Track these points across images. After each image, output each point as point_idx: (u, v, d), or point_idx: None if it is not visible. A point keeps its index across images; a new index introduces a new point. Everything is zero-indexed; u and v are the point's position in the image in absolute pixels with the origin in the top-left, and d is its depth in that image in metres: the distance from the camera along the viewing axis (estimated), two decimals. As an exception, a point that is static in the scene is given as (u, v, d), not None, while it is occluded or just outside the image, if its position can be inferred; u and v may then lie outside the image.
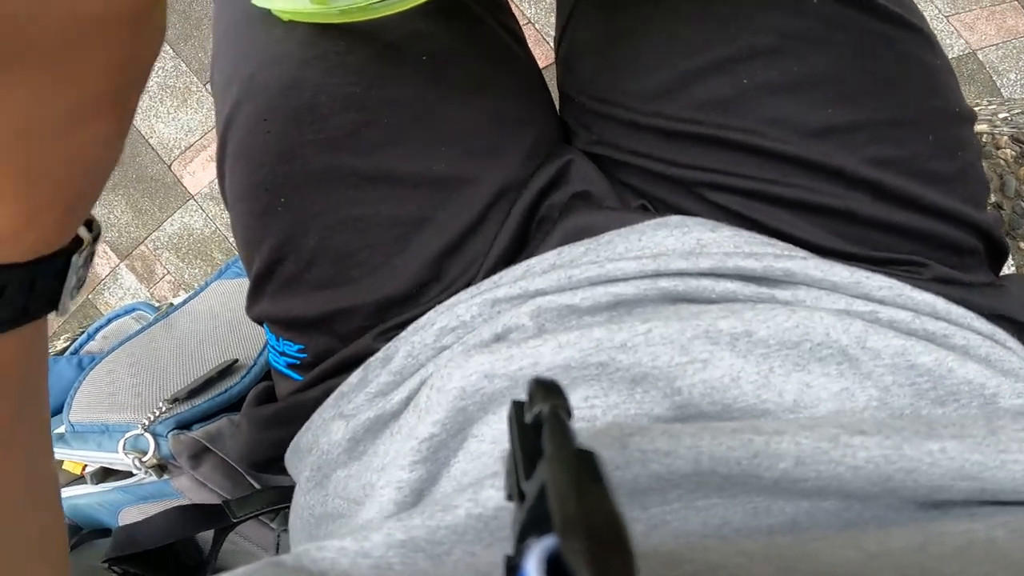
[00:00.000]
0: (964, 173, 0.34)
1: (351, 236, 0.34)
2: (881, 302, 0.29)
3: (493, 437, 0.26)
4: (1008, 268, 0.79)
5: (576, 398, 0.26)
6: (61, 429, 0.62)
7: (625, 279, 0.29)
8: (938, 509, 0.22)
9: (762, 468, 0.21)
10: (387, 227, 0.34)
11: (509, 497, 0.14)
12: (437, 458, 0.27)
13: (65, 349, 0.81)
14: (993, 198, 0.79)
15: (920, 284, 0.30)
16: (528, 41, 1.38)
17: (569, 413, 0.14)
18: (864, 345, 0.26)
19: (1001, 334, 0.30)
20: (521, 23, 1.26)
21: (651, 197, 0.36)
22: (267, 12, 0.35)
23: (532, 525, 0.12)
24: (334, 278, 0.35)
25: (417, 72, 0.35)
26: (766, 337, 0.26)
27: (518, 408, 0.16)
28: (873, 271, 0.30)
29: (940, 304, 0.29)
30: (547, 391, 0.15)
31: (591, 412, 0.25)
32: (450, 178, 0.34)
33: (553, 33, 1.23)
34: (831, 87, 0.32)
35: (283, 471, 0.39)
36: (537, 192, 0.35)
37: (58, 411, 0.67)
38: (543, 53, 1.24)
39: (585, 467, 0.12)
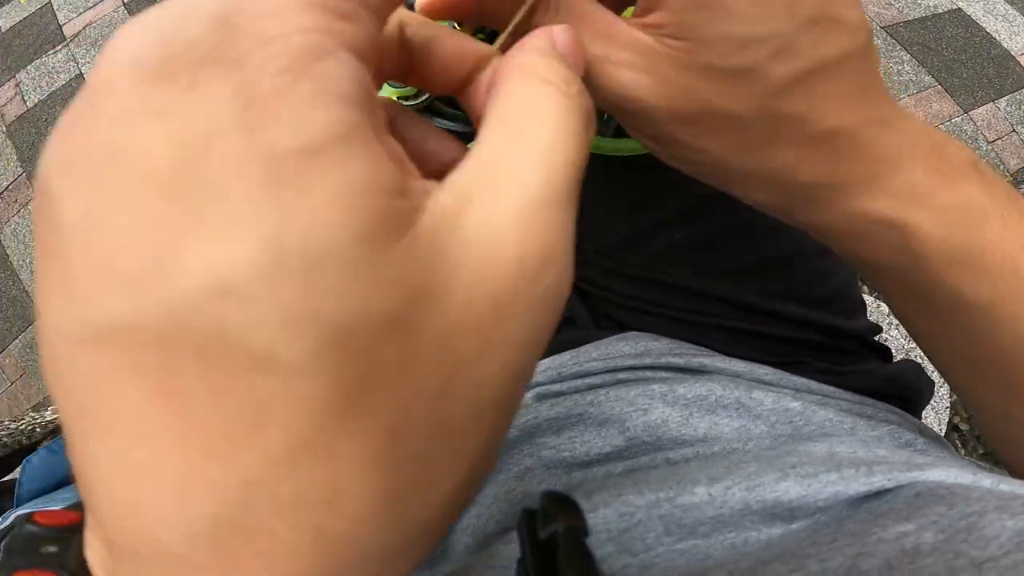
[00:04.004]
0: (833, 295, 0.46)
1: None
2: (769, 384, 0.38)
3: (507, 467, 0.35)
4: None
5: (563, 438, 0.35)
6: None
7: (595, 373, 0.41)
8: (881, 500, 0.25)
9: (687, 487, 0.27)
10: None
11: None
12: None
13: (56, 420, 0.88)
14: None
15: (804, 375, 0.40)
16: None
17: (586, 532, 0.14)
18: (751, 396, 0.35)
19: (870, 401, 0.40)
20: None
21: (618, 321, 0.49)
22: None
23: None
24: None
25: None
26: (684, 393, 0.36)
27: (530, 520, 0.15)
28: (763, 365, 0.40)
29: (814, 384, 0.39)
30: (563, 507, 0.14)
31: (572, 445, 0.35)
32: None
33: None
34: (732, 238, 0.45)
35: None
36: None
37: (62, 484, 0.75)
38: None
39: None
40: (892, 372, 0.45)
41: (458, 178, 0.13)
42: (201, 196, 0.10)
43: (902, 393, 0.43)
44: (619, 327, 0.49)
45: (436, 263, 0.12)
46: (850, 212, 0.24)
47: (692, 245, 0.46)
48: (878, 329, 0.49)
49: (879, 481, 0.25)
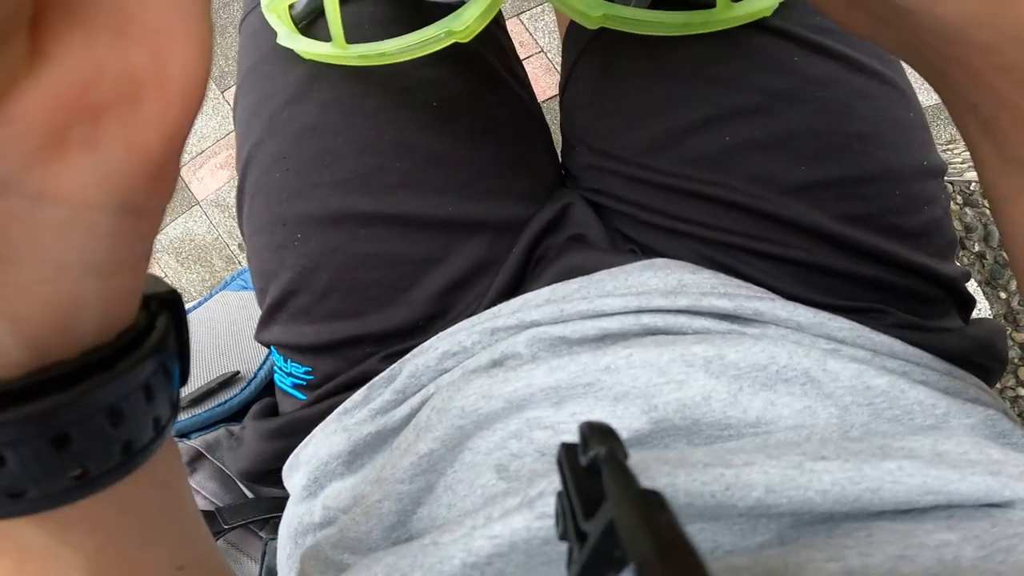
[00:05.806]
0: (930, 227, 0.36)
1: (363, 272, 0.36)
2: (842, 342, 0.31)
3: (487, 449, 0.28)
4: (986, 315, 0.81)
5: (564, 414, 0.28)
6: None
7: (611, 314, 0.31)
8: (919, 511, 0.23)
9: (735, 499, 0.22)
10: (397, 265, 0.36)
11: (563, 537, 0.14)
12: (435, 469, 0.29)
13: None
14: (977, 247, 0.81)
15: (881, 329, 0.32)
16: (540, 71, 1.42)
17: (626, 455, 0.14)
18: (824, 368, 0.28)
19: (959, 372, 0.32)
20: (534, 52, 1.29)
21: (640, 243, 0.38)
22: (291, 52, 0.37)
23: (596, 565, 0.12)
24: (346, 310, 0.37)
25: (428, 117, 0.37)
26: (736, 360, 0.28)
27: (570, 451, 0.15)
28: (835, 315, 0.32)
29: (898, 345, 0.31)
30: (601, 434, 0.14)
31: (577, 425, 0.27)
32: (457, 220, 0.36)
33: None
34: (806, 144, 0.34)
35: (277, 484, 0.40)
36: (536, 233, 0.37)
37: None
38: (553, 82, 1.26)
39: (654, 505, 0.12)
40: (986, 336, 0.36)
41: None
42: None
43: (988, 362, 0.36)
44: (643, 251, 0.38)
45: None
46: None
47: (745, 148, 0.35)
48: (968, 276, 0.39)
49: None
